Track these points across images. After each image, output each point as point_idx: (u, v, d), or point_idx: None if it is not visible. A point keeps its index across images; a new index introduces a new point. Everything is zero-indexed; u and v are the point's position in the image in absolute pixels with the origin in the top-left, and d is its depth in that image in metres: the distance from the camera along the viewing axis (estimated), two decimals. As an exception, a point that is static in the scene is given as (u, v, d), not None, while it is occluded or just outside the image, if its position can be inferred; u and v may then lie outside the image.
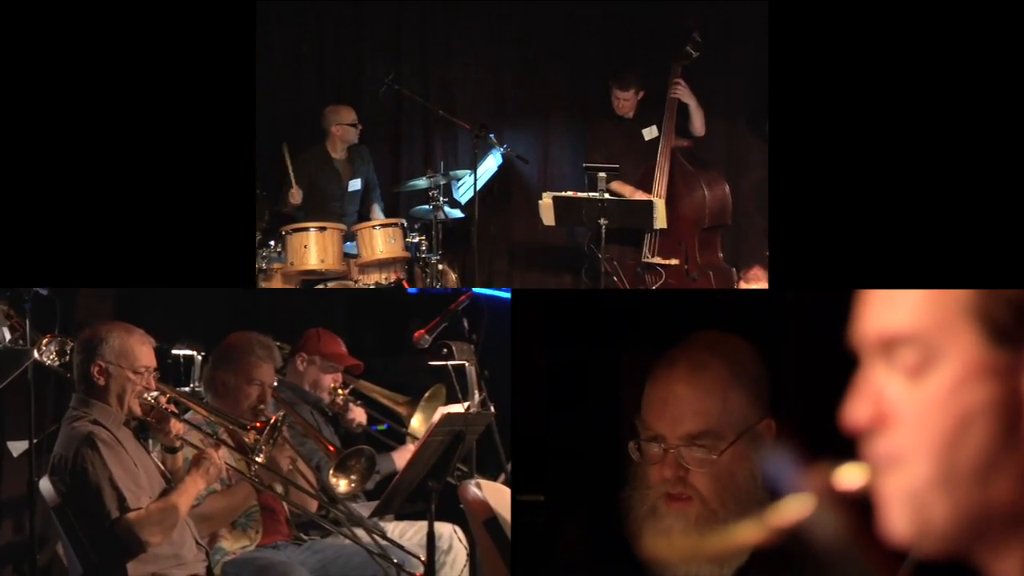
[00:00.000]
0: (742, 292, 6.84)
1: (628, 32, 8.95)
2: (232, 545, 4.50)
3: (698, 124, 8.04)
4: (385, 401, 5.54)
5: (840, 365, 1.46)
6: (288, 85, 9.12)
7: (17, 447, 4.62)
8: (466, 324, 4.88)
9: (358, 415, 5.30)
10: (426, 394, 5.37)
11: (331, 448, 4.76)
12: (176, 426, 4.15)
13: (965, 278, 4.58)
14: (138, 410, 4.10)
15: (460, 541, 4.69)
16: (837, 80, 4.80)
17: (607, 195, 7.44)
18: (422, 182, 7.95)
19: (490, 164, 8.44)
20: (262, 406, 4.59)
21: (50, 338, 4.43)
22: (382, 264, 7.44)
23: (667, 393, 2.89)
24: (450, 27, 9.33)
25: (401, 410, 5.46)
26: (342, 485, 4.58)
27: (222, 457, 4.13)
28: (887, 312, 1.41)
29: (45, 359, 4.41)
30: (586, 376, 3.41)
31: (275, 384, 4.76)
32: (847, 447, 1.40)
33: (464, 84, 9.28)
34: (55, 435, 4.09)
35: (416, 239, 7.74)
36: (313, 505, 4.48)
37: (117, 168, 4.74)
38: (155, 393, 4.10)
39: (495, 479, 4.51)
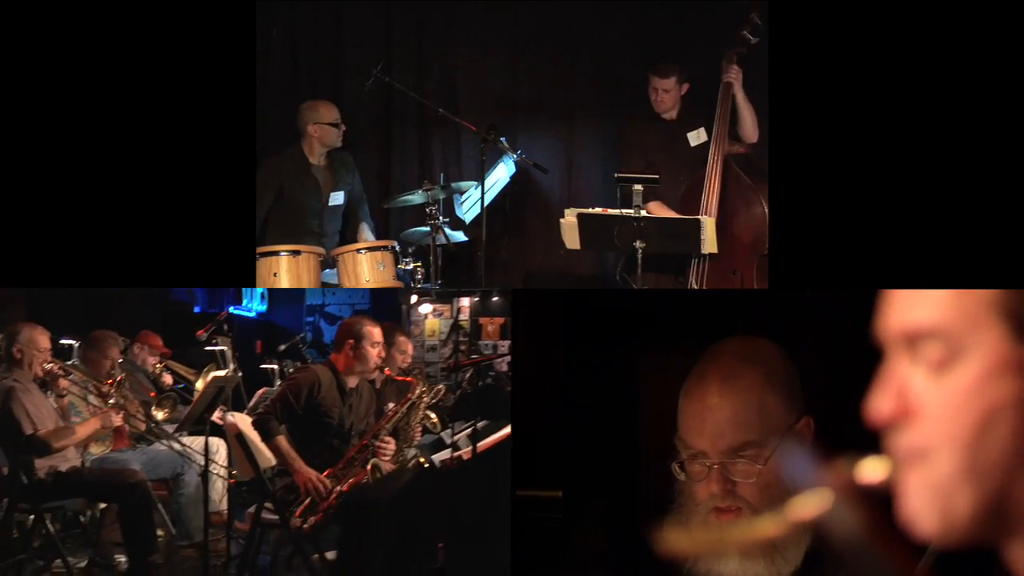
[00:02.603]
0: (760, 292, 4.94)
1: (670, 15, 5.98)
2: (96, 450, 5.44)
3: (749, 126, 5.38)
4: (182, 372, 6.43)
5: (860, 361, 1.25)
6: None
7: None
8: (225, 327, 6.36)
9: (167, 379, 6.33)
10: (205, 368, 6.33)
11: (153, 394, 5.85)
12: (63, 383, 5.07)
13: (967, 278, 3.88)
14: (40, 373, 4.98)
15: (222, 446, 5.42)
16: (837, 80, 3.98)
17: (644, 213, 4.87)
18: (417, 197, 5.45)
19: (501, 174, 5.73)
20: (112, 371, 5.46)
21: None
22: (369, 295, 5.91)
23: (703, 409, 2.40)
24: (452, 7, 6.24)
25: (191, 377, 6.39)
26: (160, 415, 5.67)
27: (118, 420, 5.08)
28: (912, 307, 1.17)
29: None
30: (598, 374, 2.94)
31: (120, 360, 5.67)
32: (869, 441, 1.17)
33: (469, 76, 6.24)
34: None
35: (410, 266, 5.45)
36: (143, 426, 5.45)
37: (116, 169, 4.07)
38: (50, 364, 4.99)
39: (240, 412, 5.41)
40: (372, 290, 9.41)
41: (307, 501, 4.56)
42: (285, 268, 5.20)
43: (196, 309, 8.90)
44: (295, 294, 9.95)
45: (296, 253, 5.22)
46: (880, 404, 1.17)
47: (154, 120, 4.05)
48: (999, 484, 1.13)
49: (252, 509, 4.84)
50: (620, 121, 5.83)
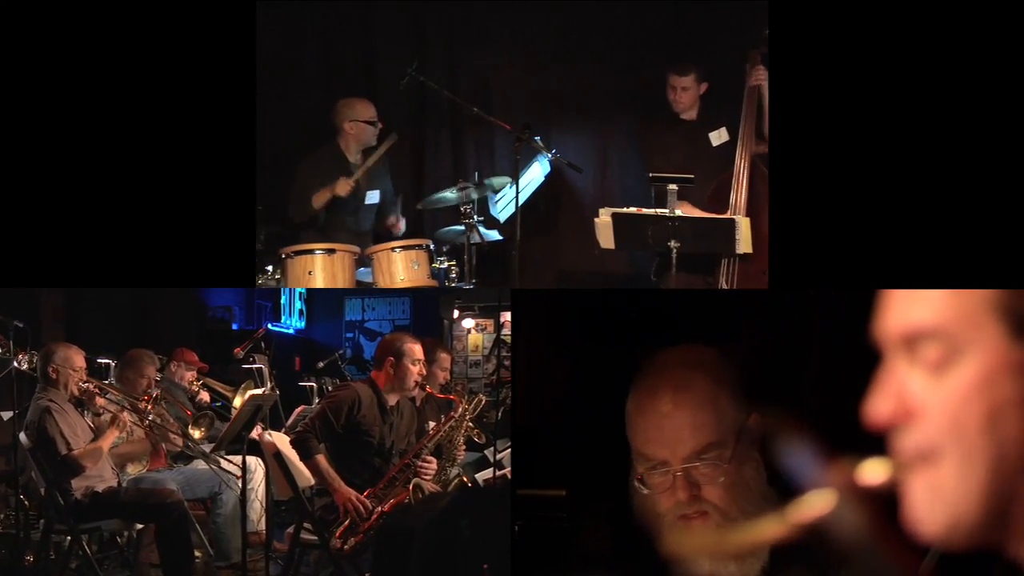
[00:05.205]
0: (761, 292, 4.76)
1: (695, 14, 6.03)
2: (133, 470, 5.56)
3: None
4: (220, 388, 6.50)
5: (863, 361, 1.22)
6: (288, 78, 6.25)
7: (5, 415, 5.54)
8: (263, 345, 6.39)
9: (204, 396, 6.35)
10: (242, 385, 6.39)
11: (189, 412, 5.84)
12: (99, 401, 5.20)
13: (967, 278, 3.93)
14: (76, 392, 5.13)
15: (259, 465, 5.51)
16: (837, 79, 4.01)
17: (679, 213, 4.94)
18: (451, 195, 5.56)
19: (535, 173, 5.97)
20: (149, 389, 5.58)
21: (24, 354, 5.41)
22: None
23: (660, 419, 2.41)
24: (485, 7, 6.28)
25: (229, 394, 6.45)
26: (196, 433, 5.67)
27: (127, 418, 5.16)
28: (910, 308, 1.18)
29: (21, 365, 5.39)
30: (601, 373, 2.86)
31: (157, 378, 5.86)
32: (871, 442, 1.17)
33: (502, 75, 6.34)
34: (27, 408, 5.11)
35: (444, 264, 5.52)
36: (180, 444, 5.64)
37: (117, 169, 4.12)
38: (86, 383, 5.14)
39: (278, 430, 5.46)
40: (412, 303, 9.50)
41: (347, 522, 4.63)
42: (320, 266, 5.28)
43: (234, 326, 9.06)
44: (333, 301, 10.08)
45: (331, 251, 5.31)
46: (878, 406, 1.18)
47: (154, 120, 4.13)
48: (1003, 484, 1.13)
49: (291, 529, 4.93)
50: (640, 124, 5.92)
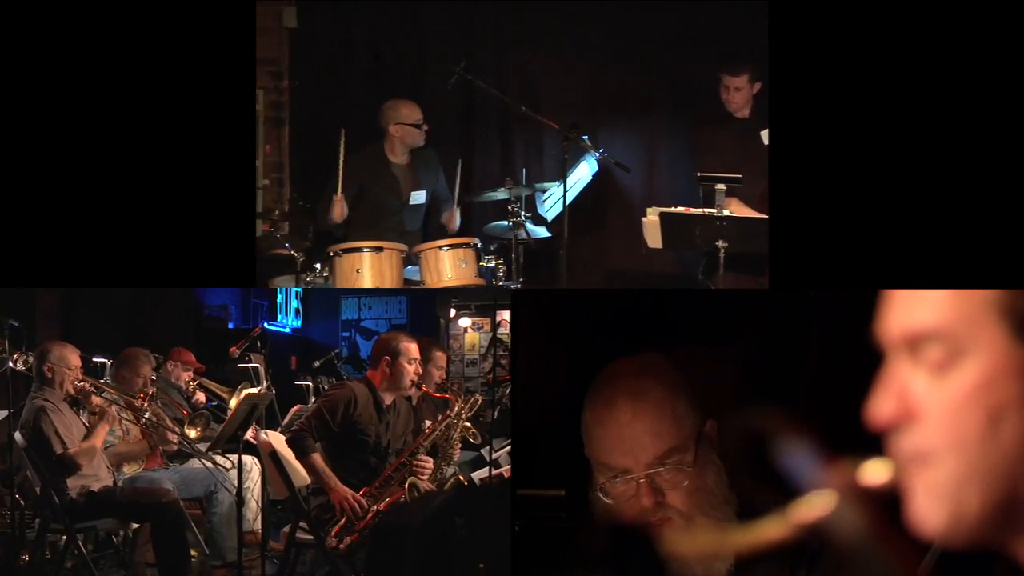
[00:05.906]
0: (762, 292, 4.78)
1: (746, 13, 5.70)
2: (128, 469, 5.57)
3: None
4: (216, 389, 6.55)
5: (864, 362, 1.21)
6: (335, 76, 6.42)
7: (0, 415, 5.43)
8: (259, 344, 6.31)
9: (200, 397, 6.41)
10: (239, 386, 6.35)
11: (185, 412, 5.99)
12: (95, 400, 5.21)
13: (968, 278, 3.86)
14: (72, 391, 5.14)
15: (255, 465, 5.55)
16: (837, 80, 3.96)
17: (726, 212, 4.90)
18: (499, 194, 5.63)
19: (583, 172, 5.89)
20: (145, 388, 5.59)
21: (19, 353, 5.46)
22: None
23: (620, 429, 2.40)
24: (534, 6, 6.31)
25: (225, 395, 6.51)
26: (193, 433, 5.79)
27: (115, 412, 5.20)
28: (913, 309, 1.17)
29: (16, 365, 5.46)
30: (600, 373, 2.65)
31: (153, 377, 5.88)
32: (872, 443, 1.17)
33: (551, 74, 6.40)
34: (23, 407, 5.13)
35: (492, 263, 5.55)
36: (175, 441, 5.66)
37: (114, 168, 4.07)
38: (81, 382, 5.15)
39: (274, 430, 5.48)
40: (409, 302, 9.49)
41: (343, 521, 4.63)
42: (368, 264, 5.35)
43: (230, 325, 9.06)
44: (329, 300, 10.04)
45: (379, 250, 5.37)
46: (880, 407, 1.17)
47: (152, 118, 4.08)
48: (1006, 484, 1.12)
49: (287, 529, 4.93)
50: (691, 122, 5.91)
